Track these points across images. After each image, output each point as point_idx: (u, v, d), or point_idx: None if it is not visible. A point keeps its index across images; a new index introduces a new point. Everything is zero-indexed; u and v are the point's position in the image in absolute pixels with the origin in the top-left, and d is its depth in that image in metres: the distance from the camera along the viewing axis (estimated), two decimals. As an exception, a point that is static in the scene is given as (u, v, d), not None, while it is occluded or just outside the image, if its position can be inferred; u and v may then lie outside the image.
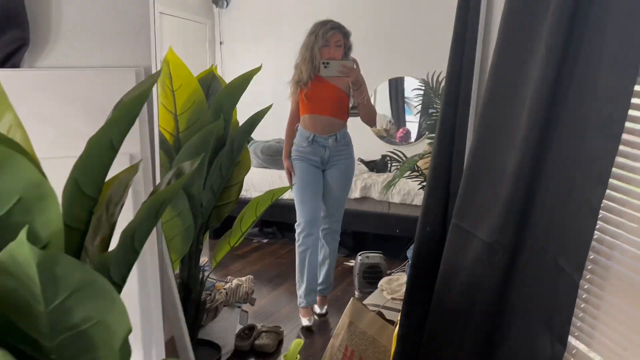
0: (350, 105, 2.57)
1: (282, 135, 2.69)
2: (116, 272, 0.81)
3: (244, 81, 1.79)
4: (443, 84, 2.63)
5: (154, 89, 1.33)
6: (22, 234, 0.62)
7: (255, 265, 3.47)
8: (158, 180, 1.45)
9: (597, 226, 1.01)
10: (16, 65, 1.23)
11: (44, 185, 0.66)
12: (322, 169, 2.56)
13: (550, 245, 1.05)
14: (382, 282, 2.38)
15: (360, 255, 2.87)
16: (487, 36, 1.33)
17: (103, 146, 0.73)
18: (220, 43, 4.33)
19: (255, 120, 1.86)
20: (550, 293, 1.05)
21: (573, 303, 1.02)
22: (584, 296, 1.09)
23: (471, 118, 1.36)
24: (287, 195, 3.46)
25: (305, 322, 2.53)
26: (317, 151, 2.50)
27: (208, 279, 2.01)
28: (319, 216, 2.59)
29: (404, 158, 2.66)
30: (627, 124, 0.93)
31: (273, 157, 3.95)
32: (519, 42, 1.06)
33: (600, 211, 0.99)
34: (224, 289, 2.17)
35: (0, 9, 1.18)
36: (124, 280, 0.86)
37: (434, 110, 2.66)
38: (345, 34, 2.47)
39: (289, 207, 2.66)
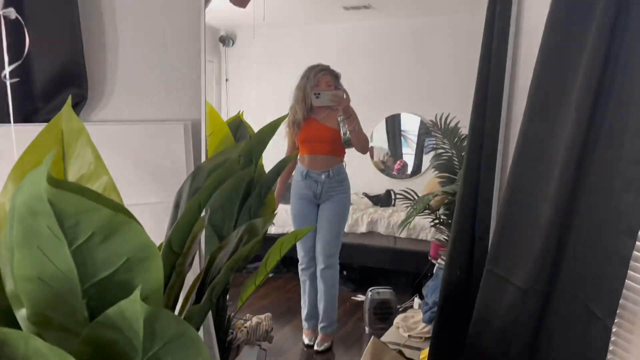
0: (343, 138, 2.71)
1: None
2: (195, 322, 0.88)
3: (272, 128, 1.87)
4: (451, 124, 2.80)
5: (202, 139, 1.41)
6: (137, 292, 0.68)
7: (264, 301, 3.49)
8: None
9: (625, 274, 1.09)
10: (74, 119, 1.30)
11: (151, 248, 0.72)
12: (317, 204, 2.69)
13: (581, 292, 1.13)
14: (398, 320, 2.43)
15: (370, 291, 2.92)
16: (513, 86, 1.43)
17: (194, 209, 0.81)
18: (227, 80, 4.45)
19: (282, 165, 1.94)
20: (582, 338, 1.12)
21: (605, 347, 1.09)
22: (613, 339, 1.17)
23: (498, 165, 1.45)
24: (289, 230, 3.55)
25: (306, 340, 2.71)
26: (310, 186, 2.65)
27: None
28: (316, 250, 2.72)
29: (414, 196, 2.74)
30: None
31: (278, 192, 4.02)
32: (549, 105, 1.16)
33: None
34: (245, 327, 2.21)
35: (62, 68, 1.27)
36: (198, 328, 0.92)
37: (443, 150, 2.77)
38: (335, 76, 2.66)
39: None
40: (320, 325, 2.75)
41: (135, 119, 1.37)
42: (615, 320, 1.15)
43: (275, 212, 1.98)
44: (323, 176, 2.62)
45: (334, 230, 2.73)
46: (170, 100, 1.39)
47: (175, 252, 0.83)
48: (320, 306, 2.78)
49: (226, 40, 4.40)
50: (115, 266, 0.73)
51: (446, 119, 2.74)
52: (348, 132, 2.66)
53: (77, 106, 1.32)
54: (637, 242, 1.05)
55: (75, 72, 1.27)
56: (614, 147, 1.07)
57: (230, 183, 1.75)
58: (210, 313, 1.54)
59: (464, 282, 1.48)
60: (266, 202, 1.99)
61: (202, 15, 1.36)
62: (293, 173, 2.73)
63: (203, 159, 1.41)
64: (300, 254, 2.76)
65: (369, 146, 3.14)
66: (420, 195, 2.87)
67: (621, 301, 1.13)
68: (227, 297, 2.13)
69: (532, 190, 1.20)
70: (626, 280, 1.12)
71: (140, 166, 1.34)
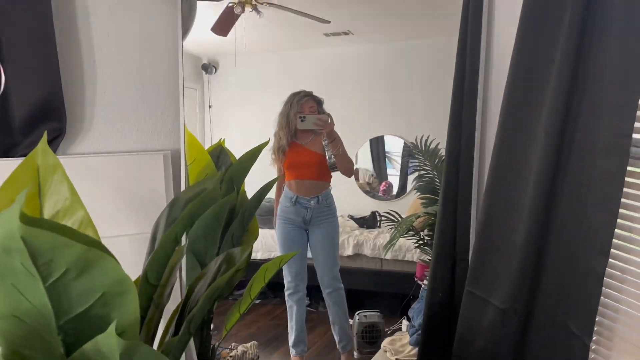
0: (328, 162, 2.75)
1: (271, 195, 2.85)
2: (173, 354, 0.87)
3: (253, 154, 1.89)
4: (431, 146, 2.84)
5: (182, 169, 1.42)
6: (112, 328, 0.68)
7: (250, 328, 3.44)
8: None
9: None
10: (52, 152, 1.30)
11: (126, 282, 0.73)
12: (305, 229, 2.71)
13: (559, 310, 1.15)
14: (385, 343, 2.42)
15: (358, 314, 2.91)
16: (485, 110, 1.47)
17: (170, 240, 0.81)
18: (210, 107, 4.48)
19: (265, 190, 1.95)
20: (563, 355, 1.14)
21: (585, 364, 1.10)
22: (592, 356, 1.18)
23: (474, 188, 1.48)
24: (275, 255, 3.53)
25: None
26: (299, 211, 2.68)
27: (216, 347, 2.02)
28: (303, 275, 2.74)
29: (398, 218, 2.76)
30: (624, 200, 1.05)
31: (264, 216, 4.00)
32: (521, 128, 1.19)
33: (603, 277, 1.10)
34: (230, 356, 2.18)
35: (41, 103, 1.27)
36: (177, 361, 0.92)
37: (425, 172, 2.80)
38: (318, 101, 2.71)
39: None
40: (340, 345, 2.76)
41: (115, 150, 1.37)
42: (594, 338, 1.17)
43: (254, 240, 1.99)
44: (312, 202, 2.66)
45: (331, 253, 2.77)
46: (150, 130, 1.40)
47: (153, 284, 0.83)
48: (336, 328, 2.79)
49: (208, 68, 4.44)
50: (90, 301, 0.73)
51: (426, 140, 2.79)
52: (333, 156, 2.70)
53: (56, 139, 1.32)
54: (610, 260, 1.08)
55: (54, 106, 1.28)
56: (584, 167, 1.10)
57: (211, 211, 1.76)
58: (193, 343, 1.53)
59: (447, 303, 1.49)
60: (249, 228, 1.99)
61: (179, 47, 1.39)
62: (280, 198, 2.75)
63: (183, 188, 1.42)
64: (286, 279, 2.75)
65: (354, 168, 3.20)
66: (404, 216, 2.89)
67: (598, 318, 1.15)
68: (212, 326, 2.11)
69: (507, 212, 1.23)
70: (601, 298, 1.14)
71: (120, 197, 1.34)
